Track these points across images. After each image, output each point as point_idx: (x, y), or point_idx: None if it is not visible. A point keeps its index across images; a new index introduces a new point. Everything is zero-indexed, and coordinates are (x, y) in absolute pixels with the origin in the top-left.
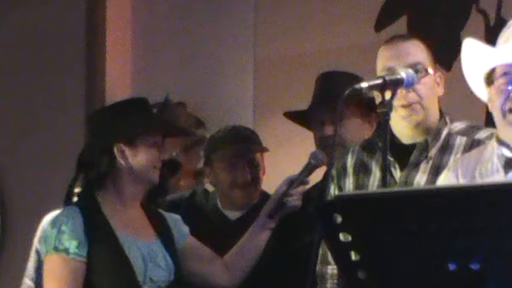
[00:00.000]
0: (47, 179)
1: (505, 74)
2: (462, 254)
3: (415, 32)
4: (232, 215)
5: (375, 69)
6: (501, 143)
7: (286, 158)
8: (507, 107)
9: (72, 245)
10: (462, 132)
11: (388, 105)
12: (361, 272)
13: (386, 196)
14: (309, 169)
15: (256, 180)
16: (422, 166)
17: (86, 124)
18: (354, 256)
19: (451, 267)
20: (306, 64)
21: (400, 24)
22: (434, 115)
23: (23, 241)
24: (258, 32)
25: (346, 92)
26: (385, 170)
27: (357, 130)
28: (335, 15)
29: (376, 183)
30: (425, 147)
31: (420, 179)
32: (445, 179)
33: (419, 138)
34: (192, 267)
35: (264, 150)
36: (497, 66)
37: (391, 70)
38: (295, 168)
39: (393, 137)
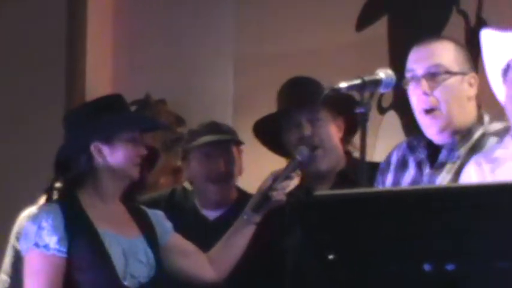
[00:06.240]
0: (25, 177)
1: None
2: (438, 255)
3: (394, 32)
4: (211, 214)
5: (355, 68)
6: None
7: (265, 156)
8: None
9: (52, 240)
10: (496, 133)
11: (366, 106)
12: (338, 272)
13: (362, 197)
14: (294, 165)
15: (230, 174)
16: (448, 166)
17: (62, 124)
18: (330, 256)
19: (427, 268)
20: (286, 62)
21: (381, 24)
22: (463, 117)
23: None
24: (238, 31)
25: (325, 92)
26: (362, 172)
27: (331, 132)
28: (316, 14)
29: (408, 180)
30: (453, 147)
31: (443, 179)
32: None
33: (448, 139)
34: (177, 263)
35: (239, 143)
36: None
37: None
38: (274, 166)
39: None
